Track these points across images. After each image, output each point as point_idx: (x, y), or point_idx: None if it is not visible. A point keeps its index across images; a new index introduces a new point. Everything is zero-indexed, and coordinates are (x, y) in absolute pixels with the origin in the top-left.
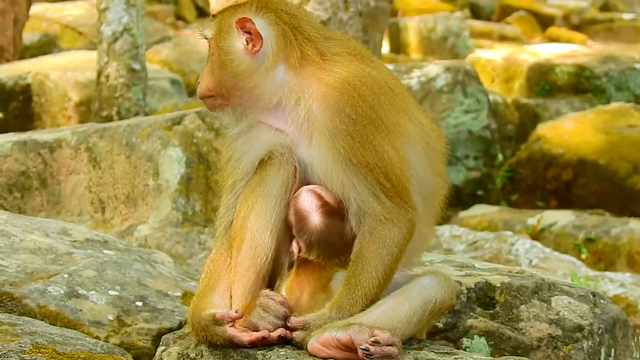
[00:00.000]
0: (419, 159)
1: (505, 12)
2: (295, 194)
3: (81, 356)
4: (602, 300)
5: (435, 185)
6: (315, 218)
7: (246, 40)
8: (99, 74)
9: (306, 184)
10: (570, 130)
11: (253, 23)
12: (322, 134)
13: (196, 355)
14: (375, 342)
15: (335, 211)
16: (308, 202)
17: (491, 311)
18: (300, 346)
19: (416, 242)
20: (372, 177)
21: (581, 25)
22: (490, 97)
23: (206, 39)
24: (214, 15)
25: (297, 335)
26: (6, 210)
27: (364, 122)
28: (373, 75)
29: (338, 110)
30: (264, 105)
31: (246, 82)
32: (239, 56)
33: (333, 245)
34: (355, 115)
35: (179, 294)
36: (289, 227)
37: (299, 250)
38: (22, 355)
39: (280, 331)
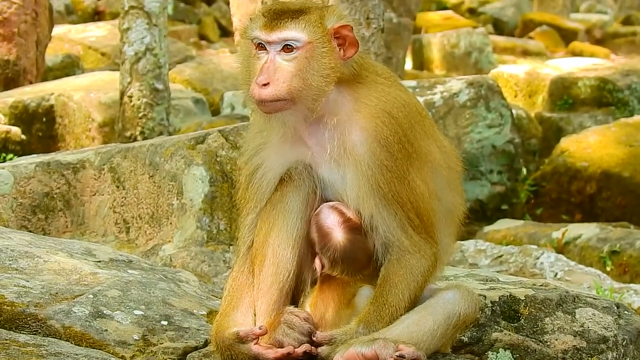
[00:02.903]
0: (442, 183)
1: (528, 27)
2: (317, 211)
3: None
4: (626, 312)
5: (455, 203)
6: (339, 234)
7: (338, 46)
8: (122, 94)
9: (326, 201)
10: (593, 144)
11: (352, 30)
12: (361, 165)
13: None
14: (401, 357)
15: (357, 227)
16: (330, 218)
17: (516, 324)
18: None
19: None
20: (402, 212)
21: (604, 39)
22: (514, 111)
23: (291, 43)
24: (291, 17)
25: (322, 350)
26: (30, 231)
27: (401, 157)
28: (407, 101)
29: (382, 144)
30: (311, 117)
31: (328, 89)
32: (336, 62)
33: (357, 260)
34: (397, 150)
35: (204, 312)
36: (310, 244)
37: (322, 267)
38: None
39: (305, 347)
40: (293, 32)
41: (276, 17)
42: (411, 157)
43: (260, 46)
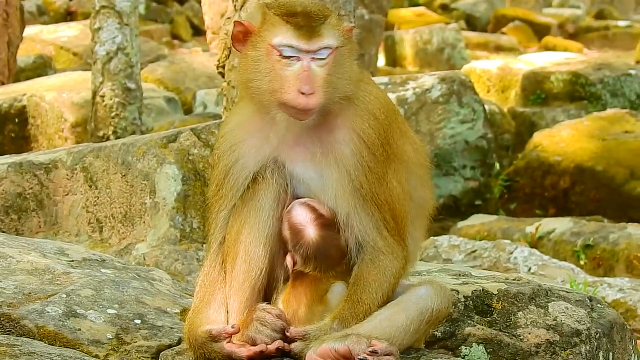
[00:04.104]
0: (415, 181)
1: (500, 23)
2: (289, 207)
3: None
4: (599, 305)
5: (425, 198)
6: (311, 231)
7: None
8: (94, 94)
9: (297, 198)
10: (566, 138)
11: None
12: (344, 164)
13: None
14: (373, 352)
15: (330, 223)
16: (302, 215)
17: (489, 318)
18: (298, 358)
19: None
20: (379, 213)
21: (577, 33)
22: (486, 106)
23: (324, 50)
24: (320, 22)
25: (295, 346)
26: (3, 232)
27: (382, 158)
28: (386, 101)
29: (365, 144)
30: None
31: (351, 90)
32: (353, 62)
33: (329, 257)
34: (378, 151)
35: (177, 310)
36: (283, 241)
37: (294, 264)
38: None
39: (277, 343)
40: (328, 38)
41: (308, 23)
42: (390, 158)
43: (288, 53)
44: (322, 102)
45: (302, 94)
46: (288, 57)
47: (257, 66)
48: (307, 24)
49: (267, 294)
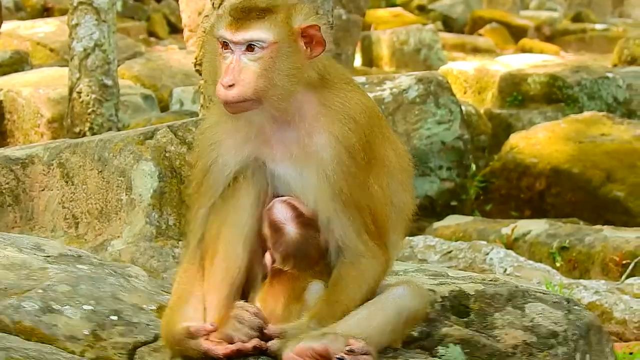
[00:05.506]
0: (396, 185)
1: (477, 24)
2: (269, 205)
3: None
4: (576, 307)
5: (406, 202)
6: (291, 229)
7: (305, 45)
8: (71, 90)
9: (277, 197)
10: (543, 140)
11: (320, 30)
12: (322, 168)
13: None
14: (351, 351)
15: (310, 222)
16: (283, 213)
17: (466, 319)
18: (275, 356)
19: None
20: (360, 218)
21: (553, 36)
22: (463, 107)
23: (255, 43)
24: (257, 16)
25: (272, 344)
26: None
27: (364, 163)
28: (368, 105)
29: (345, 149)
30: (279, 117)
31: (295, 89)
32: (303, 62)
33: (308, 256)
34: (360, 156)
35: (154, 307)
36: (262, 239)
37: (273, 262)
38: None
39: (254, 342)
40: (258, 32)
41: (242, 16)
42: (371, 162)
43: (226, 45)
44: (246, 96)
45: (223, 86)
46: (225, 49)
47: (206, 58)
48: (241, 16)
49: (245, 291)
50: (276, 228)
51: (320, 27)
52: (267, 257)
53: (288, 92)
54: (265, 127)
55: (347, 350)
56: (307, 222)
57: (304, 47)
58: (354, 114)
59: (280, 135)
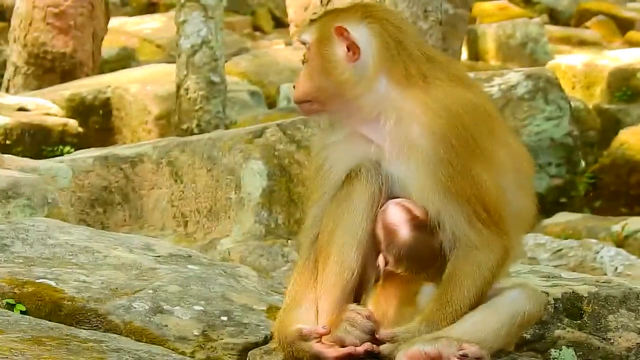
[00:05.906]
0: (511, 185)
1: (584, 17)
2: (383, 207)
3: None
4: None
5: (524, 206)
6: (405, 232)
7: (347, 48)
8: (179, 87)
9: (392, 199)
10: None
11: (349, 32)
12: (423, 160)
13: None
14: (464, 356)
15: (424, 225)
16: (397, 216)
17: (579, 321)
18: None
19: None
20: (469, 206)
21: None
22: (572, 103)
23: (304, 44)
24: (312, 20)
25: (384, 348)
26: (89, 225)
27: (465, 152)
28: (474, 102)
29: (442, 139)
30: (363, 117)
31: (347, 92)
32: (340, 64)
33: (422, 259)
34: (458, 145)
35: (263, 307)
36: (376, 241)
37: (386, 264)
38: None
39: (366, 345)
40: (305, 33)
41: (314, 17)
42: (474, 152)
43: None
44: (301, 98)
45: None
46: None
47: None
48: (314, 17)
49: (357, 293)
50: (389, 231)
51: (348, 30)
52: (380, 259)
53: (336, 94)
54: (356, 126)
55: (461, 355)
56: (421, 224)
57: (345, 50)
58: (451, 107)
59: (376, 133)
